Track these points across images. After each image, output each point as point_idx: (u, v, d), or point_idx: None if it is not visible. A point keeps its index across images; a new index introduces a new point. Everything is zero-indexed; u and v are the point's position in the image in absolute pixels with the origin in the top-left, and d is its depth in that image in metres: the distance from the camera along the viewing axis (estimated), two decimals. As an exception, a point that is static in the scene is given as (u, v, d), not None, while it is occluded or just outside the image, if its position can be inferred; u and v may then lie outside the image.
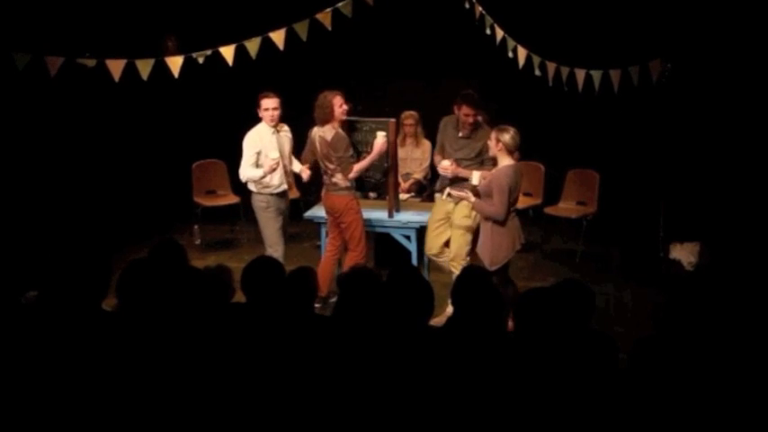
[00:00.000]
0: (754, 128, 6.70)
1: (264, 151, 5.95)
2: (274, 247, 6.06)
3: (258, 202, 6.09)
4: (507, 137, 5.21)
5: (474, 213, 5.73)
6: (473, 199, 5.38)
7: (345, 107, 5.91)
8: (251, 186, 6.09)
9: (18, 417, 2.97)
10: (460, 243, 5.88)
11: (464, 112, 5.78)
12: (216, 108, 8.33)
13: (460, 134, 5.85)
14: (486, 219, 5.32)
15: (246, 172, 6.03)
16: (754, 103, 6.66)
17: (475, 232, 5.78)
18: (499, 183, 5.21)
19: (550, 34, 6.83)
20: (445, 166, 5.86)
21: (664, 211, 6.98)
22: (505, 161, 5.27)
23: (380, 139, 5.96)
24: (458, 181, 5.83)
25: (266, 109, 5.99)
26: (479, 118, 5.84)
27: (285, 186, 6.16)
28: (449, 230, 5.96)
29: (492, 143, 5.29)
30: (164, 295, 3.44)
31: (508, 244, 5.32)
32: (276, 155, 5.91)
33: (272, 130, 6.03)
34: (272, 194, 6.06)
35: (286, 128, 6.18)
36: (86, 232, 6.94)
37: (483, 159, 5.79)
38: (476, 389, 2.96)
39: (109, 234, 7.15)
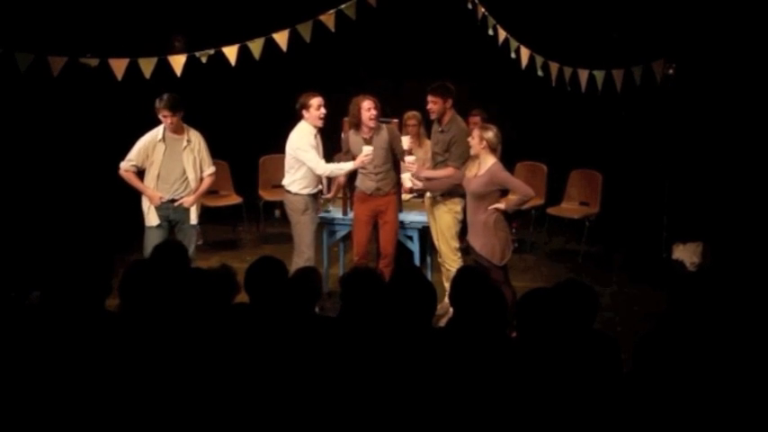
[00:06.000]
0: (757, 128, 6.69)
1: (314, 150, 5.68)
2: (307, 252, 5.70)
3: (296, 204, 5.78)
4: (491, 134, 5.32)
5: (459, 207, 5.69)
6: (502, 206, 5.35)
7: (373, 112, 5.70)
8: (290, 187, 5.79)
9: (22, 417, 2.97)
10: (448, 240, 5.83)
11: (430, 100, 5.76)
12: (218, 109, 8.32)
13: (440, 129, 5.83)
14: (497, 215, 5.33)
15: (329, 166, 5.69)
16: (757, 103, 6.65)
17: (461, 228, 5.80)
18: (503, 173, 5.35)
19: (553, 35, 6.83)
20: (410, 162, 5.85)
21: (666, 211, 6.98)
22: (490, 159, 5.35)
23: (366, 151, 5.76)
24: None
25: (318, 108, 5.65)
26: (447, 105, 5.71)
27: (320, 186, 5.96)
28: None
29: (475, 141, 5.35)
30: (166, 296, 3.44)
31: (509, 235, 5.49)
32: (370, 148, 5.63)
33: (316, 131, 5.75)
34: (309, 195, 5.78)
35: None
36: (89, 232, 6.94)
37: (447, 157, 5.74)
38: (479, 389, 2.95)
39: (112, 234, 7.14)
